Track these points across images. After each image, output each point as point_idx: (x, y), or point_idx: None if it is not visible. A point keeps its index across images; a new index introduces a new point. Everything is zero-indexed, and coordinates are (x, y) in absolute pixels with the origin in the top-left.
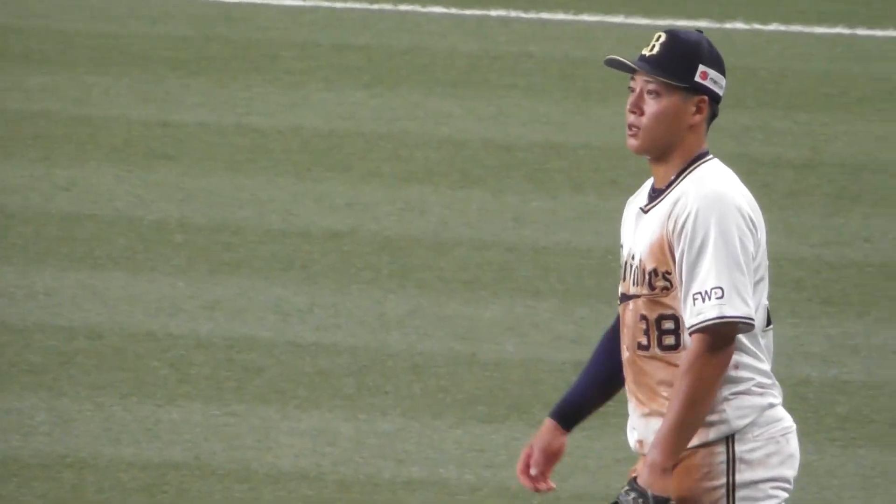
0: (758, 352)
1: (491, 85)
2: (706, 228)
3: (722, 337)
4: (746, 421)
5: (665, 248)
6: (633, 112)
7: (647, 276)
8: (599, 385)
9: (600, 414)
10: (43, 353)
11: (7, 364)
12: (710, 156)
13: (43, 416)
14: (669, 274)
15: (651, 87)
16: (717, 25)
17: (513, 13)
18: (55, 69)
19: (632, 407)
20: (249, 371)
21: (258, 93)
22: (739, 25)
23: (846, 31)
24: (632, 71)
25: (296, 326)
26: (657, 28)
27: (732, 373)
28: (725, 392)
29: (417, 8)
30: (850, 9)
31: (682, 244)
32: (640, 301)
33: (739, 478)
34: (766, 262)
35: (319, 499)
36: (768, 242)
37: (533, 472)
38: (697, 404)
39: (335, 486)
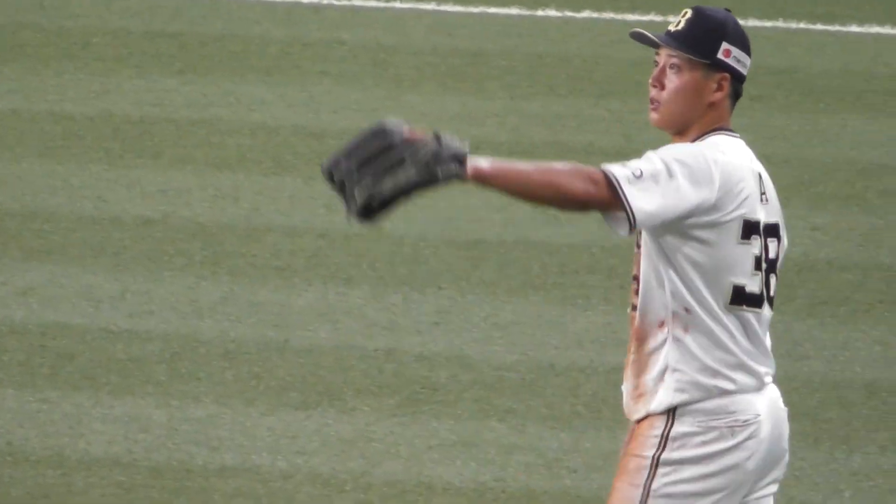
0: (718, 331)
1: (303, 72)
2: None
3: (604, 181)
4: (684, 397)
5: None
6: (655, 86)
7: (637, 237)
8: None
9: (412, 401)
10: None
11: None
12: (726, 132)
13: None
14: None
15: (673, 61)
16: (529, 13)
17: (325, 0)
18: None
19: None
20: (62, 357)
21: (70, 80)
22: (552, 13)
23: (658, 18)
24: (654, 44)
25: (108, 313)
26: (470, 16)
27: (680, 340)
28: (671, 360)
29: None
30: None
31: None
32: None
33: (665, 455)
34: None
35: (132, 485)
36: (583, 229)
37: None
38: (541, 184)
39: (148, 473)
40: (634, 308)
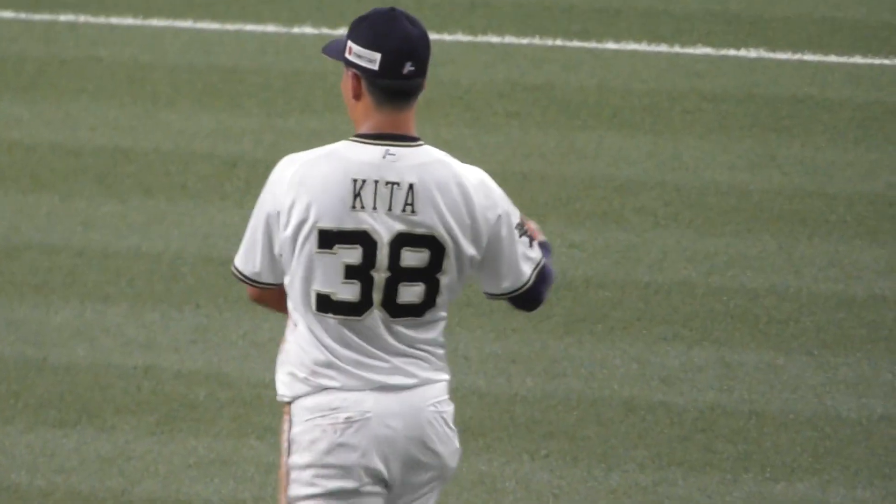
0: (310, 332)
1: (59, 90)
2: None
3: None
4: (288, 392)
5: None
6: None
7: None
8: None
9: (171, 419)
10: None
11: None
12: (353, 137)
13: None
14: None
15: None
16: (286, 30)
17: (81, 17)
18: None
19: None
20: None
21: None
22: (308, 30)
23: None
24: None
25: None
26: (227, 33)
27: (288, 335)
28: (282, 355)
29: None
30: (418, 15)
31: None
32: None
33: (290, 458)
34: (312, 238)
35: None
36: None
37: None
38: None
39: None
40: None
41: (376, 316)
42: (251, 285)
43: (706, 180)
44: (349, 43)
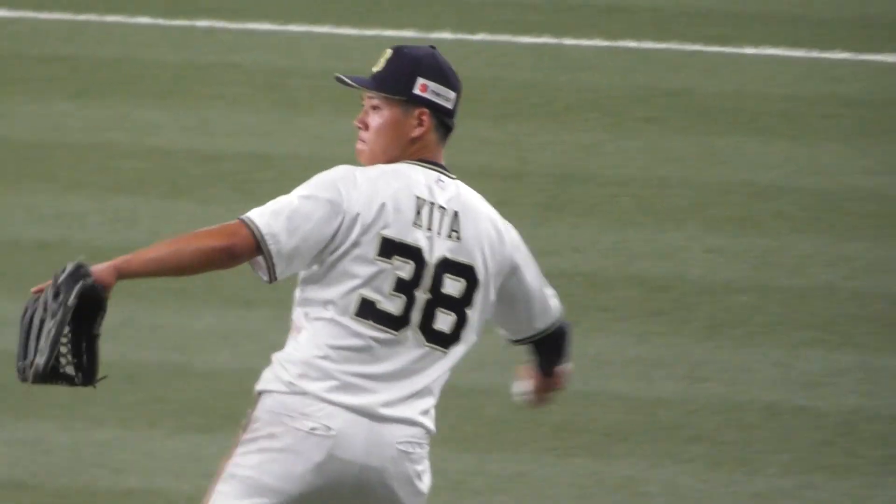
0: (319, 338)
1: (196, 96)
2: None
3: (231, 230)
4: (268, 386)
5: None
6: (360, 127)
7: None
8: None
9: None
10: None
11: None
12: (417, 161)
13: None
14: None
15: (374, 102)
16: (424, 35)
17: (218, 23)
18: None
19: None
20: None
21: None
22: (446, 35)
23: (552, 40)
24: (350, 87)
25: (9, 336)
26: (364, 38)
27: (295, 334)
28: (280, 352)
29: (124, 18)
30: (556, 19)
31: None
32: None
33: (245, 436)
34: (371, 247)
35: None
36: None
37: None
38: (177, 253)
39: (53, 496)
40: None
41: (409, 337)
42: (254, 241)
43: (845, 185)
44: (421, 80)
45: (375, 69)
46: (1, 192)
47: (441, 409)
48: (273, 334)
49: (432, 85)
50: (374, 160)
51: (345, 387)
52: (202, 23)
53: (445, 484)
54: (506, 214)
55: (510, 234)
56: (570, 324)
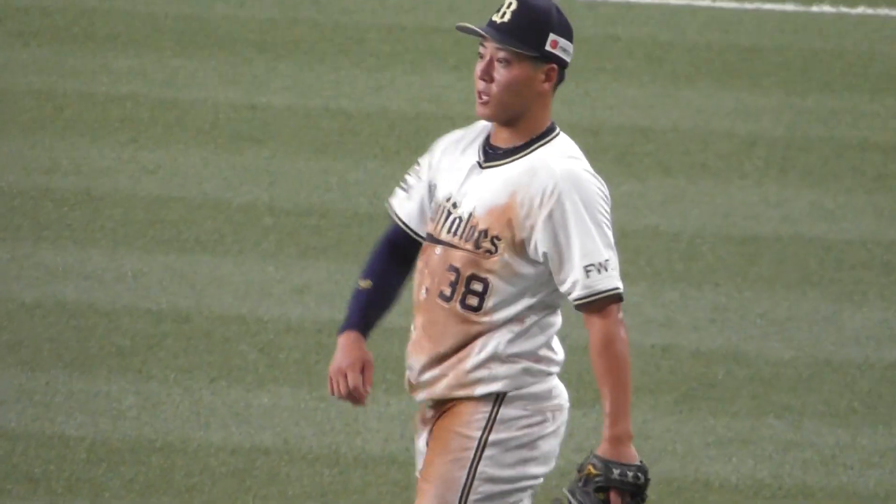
0: (550, 321)
1: (578, 68)
2: (587, 204)
3: (619, 307)
4: (516, 383)
5: (512, 217)
6: (484, 79)
7: (476, 234)
8: (384, 305)
9: (689, 398)
10: (131, 336)
11: (96, 347)
12: (557, 129)
13: (131, 399)
14: (499, 240)
15: (501, 55)
16: (804, 9)
17: None
18: (142, 52)
19: (414, 345)
20: None
21: (345, 76)
22: (826, 8)
23: None
24: (483, 37)
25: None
26: (745, 12)
27: (520, 334)
28: (502, 350)
29: None
30: None
31: (554, 219)
32: (455, 252)
33: (493, 437)
34: None
35: (409, 483)
36: (859, 225)
37: (356, 383)
38: (624, 369)
39: None
40: (478, 309)
41: None
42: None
43: None
44: (553, 36)
45: (498, 19)
46: (379, 164)
47: (815, 384)
48: (649, 308)
49: (561, 41)
50: (498, 114)
51: (557, 361)
52: None
53: (819, 458)
54: (886, 188)
55: None
56: None
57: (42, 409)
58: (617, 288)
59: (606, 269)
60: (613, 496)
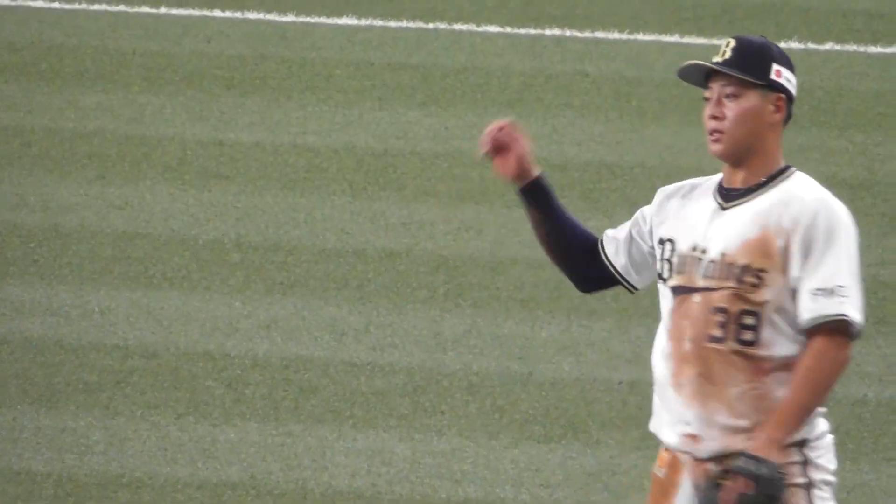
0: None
1: (545, 104)
2: (834, 230)
3: (845, 334)
4: (816, 430)
5: (770, 246)
6: (715, 116)
7: (736, 270)
8: (560, 220)
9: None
10: (98, 372)
11: (62, 383)
12: (794, 168)
13: (98, 435)
14: (763, 272)
15: (728, 90)
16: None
17: (568, 32)
18: (109, 88)
19: (684, 401)
20: (305, 391)
21: (312, 112)
22: (794, 45)
23: None
24: (709, 70)
25: (351, 346)
26: (712, 47)
27: (772, 381)
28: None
29: (472, 27)
30: None
31: (805, 243)
32: (716, 294)
33: (816, 476)
34: None
35: None
36: None
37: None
38: (819, 392)
39: None
40: (754, 343)
41: None
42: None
43: None
44: (776, 66)
45: (720, 59)
46: (347, 200)
47: None
48: (616, 345)
49: (785, 71)
50: (733, 149)
51: None
52: (550, 31)
53: None
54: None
55: None
56: None
57: (9, 444)
58: (843, 314)
59: (836, 295)
60: (735, 482)
